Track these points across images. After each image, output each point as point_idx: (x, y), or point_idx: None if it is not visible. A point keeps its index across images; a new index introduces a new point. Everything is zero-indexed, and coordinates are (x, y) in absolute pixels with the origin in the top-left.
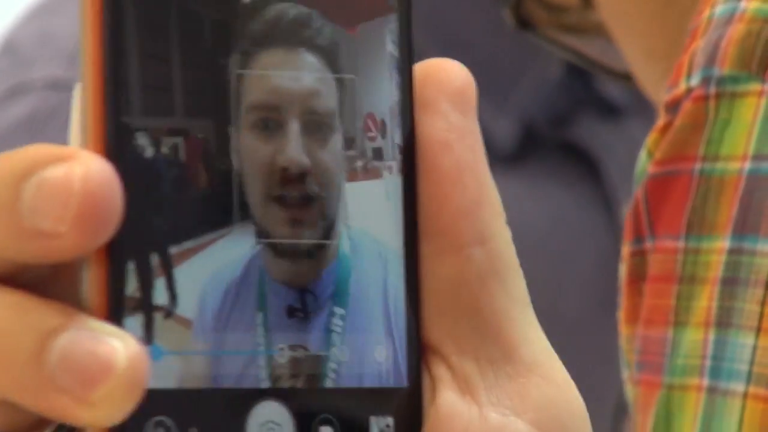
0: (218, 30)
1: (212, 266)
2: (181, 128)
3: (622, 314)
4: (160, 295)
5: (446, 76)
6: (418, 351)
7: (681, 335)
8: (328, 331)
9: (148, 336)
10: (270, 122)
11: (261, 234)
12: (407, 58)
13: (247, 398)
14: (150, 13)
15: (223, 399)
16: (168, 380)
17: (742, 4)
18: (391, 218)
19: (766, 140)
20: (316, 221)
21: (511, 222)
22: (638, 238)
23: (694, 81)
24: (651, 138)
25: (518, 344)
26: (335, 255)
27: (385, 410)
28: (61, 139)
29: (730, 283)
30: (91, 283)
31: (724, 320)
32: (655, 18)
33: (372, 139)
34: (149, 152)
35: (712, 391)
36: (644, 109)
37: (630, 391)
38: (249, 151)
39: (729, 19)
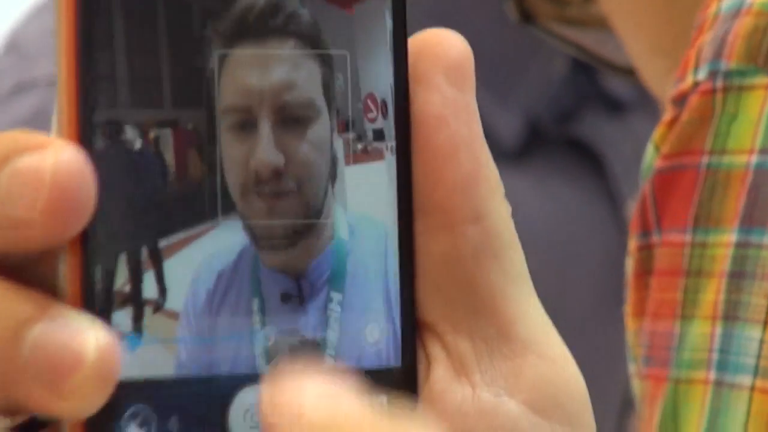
0: (192, 23)
1: (197, 258)
2: (160, 120)
3: (629, 308)
4: (139, 285)
5: (442, 49)
6: (413, 330)
7: (688, 329)
8: (324, 315)
9: (125, 326)
10: (244, 123)
11: (246, 229)
12: (401, 33)
13: (229, 385)
14: (124, 7)
15: (204, 386)
16: (146, 369)
17: None
18: (392, 199)
19: None
20: (298, 214)
21: (516, 218)
22: (645, 232)
23: (701, 75)
24: (658, 132)
25: (514, 322)
26: (330, 239)
27: (379, 389)
28: None
29: (737, 276)
30: (67, 272)
31: (731, 314)
32: (660, 13)
33: (372, 120)
34: (127, 144)
35: (719, 384)
36: (648, 104)
37: (637, 385)
38: (225, 150)
39: (736, 13)
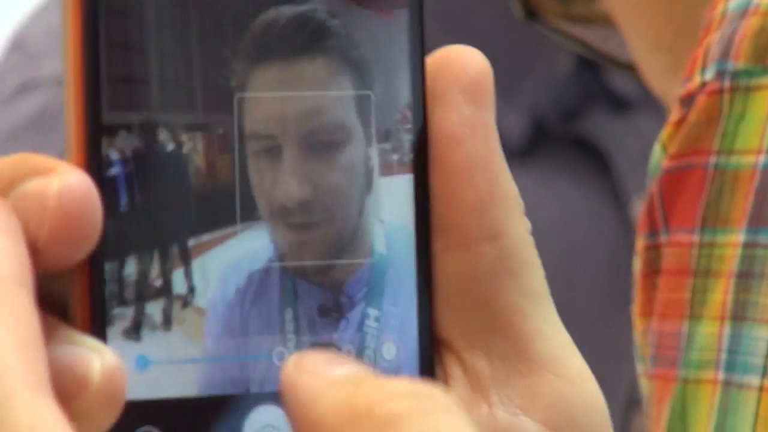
0: (205, 25)
1: (214, 273)
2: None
3: (636, 308)
4: (148, 306)
5: (460, 67)
6: (431, 348)
7: (696, 329)
8: (360, 331)
9: (134, 347)
10: (269, 150)
11: (275, 252)
12: (419, 50)
13: (242, 404)
14: (131, 6)
15: (216, 406)
16: (156, 390)
17: None
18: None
19: None
20: (330, 244)
21: None
22: (653, 232)
23: (709, 75)
24: (665, 132)
25: (531, 340)
26: (369, 254)
27: None
28: None
29: (745, 276)
30: (75, 294)
31: (739, 314)
32: (663, 10)
33: (409, 131)
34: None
35: (727, 384)
36: (654, 102)
37: (645, 386)
38: (251, 175)
39: (743, 13)
